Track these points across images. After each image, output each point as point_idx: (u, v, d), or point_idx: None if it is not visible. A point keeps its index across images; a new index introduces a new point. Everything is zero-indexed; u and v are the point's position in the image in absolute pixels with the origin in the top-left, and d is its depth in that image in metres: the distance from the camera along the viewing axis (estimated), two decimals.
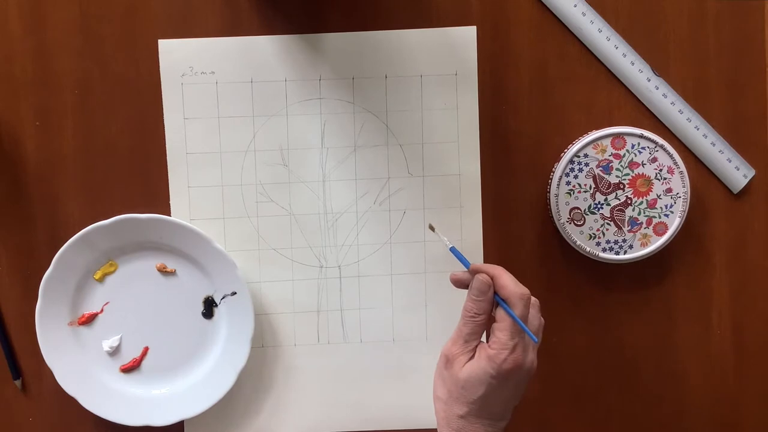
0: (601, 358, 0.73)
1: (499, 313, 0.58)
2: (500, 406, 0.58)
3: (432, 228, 0.66)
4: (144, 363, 0.71)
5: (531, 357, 0.58)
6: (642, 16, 0.71)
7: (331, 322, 0.72)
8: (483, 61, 0.71)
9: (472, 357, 0.58)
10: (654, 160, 0.69)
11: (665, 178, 0.69)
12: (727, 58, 0.71)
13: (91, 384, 0.70)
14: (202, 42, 0.70)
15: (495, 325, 0.58)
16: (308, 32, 0.70)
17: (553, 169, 0.70)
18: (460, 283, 0.61)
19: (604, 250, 0.70)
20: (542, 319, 0.60)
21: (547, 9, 0.71)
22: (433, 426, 0.73)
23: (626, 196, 0.70)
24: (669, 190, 0.69)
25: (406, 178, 0.72)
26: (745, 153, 0.72)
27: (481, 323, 0.59)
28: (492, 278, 0.59)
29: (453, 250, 0.63)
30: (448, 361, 0.59)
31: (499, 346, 0.57)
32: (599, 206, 0.70)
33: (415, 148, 0.71)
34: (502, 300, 0.58)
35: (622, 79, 0.71)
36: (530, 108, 0.71)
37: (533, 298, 0.59)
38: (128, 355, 0.71)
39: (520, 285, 0.58)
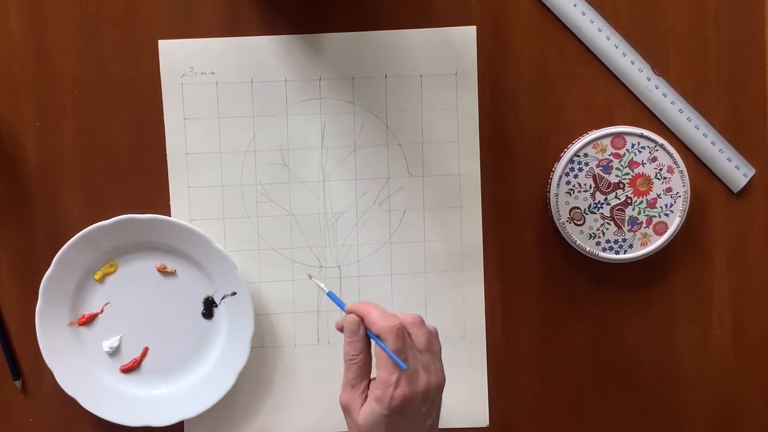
0: (601, 358, 0.73)
1: (376, 350, 0.57)
2: None
3: (310, 276, 0.67)
4: (144, 363, 0.71)
5: (424, 381, 0.56)
6: (642, 15, 0.71)
7: (331, 322, 0.72)
8: (483, 61, 0.71)
9: (366, 400, 0.57)
10: (654, 159, 0.69)
11: (665, 178, 0.69)
12: (727, 57, 0.71)
13: (91, 384, 0.70)
14: (202, 42, 0.70)
15: (376, 363, 0.57)
16: (308, 32, 0.70)
17: (553, 169, 0.70)
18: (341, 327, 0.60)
19: (604, 249, 0.70)
20: (432, 328, 0.59)
21: (547, 9, 0.71)
22: None
23: (626, 195, 0.70)
24: (669, 190, 0.69)
25: (405, 178, 0.72)
26: (745, 152, 0.72)
27: (362, 364, 0.58)
28: (361, 317, 0.58)
29: (330, 294, 0.63)
30: (345, 410, 0.58)
31: (382, 385, 0.56)
32: (599, 206, 0.70)
33: (415, 148, 0.71)
34: (375, 336, 0.57)
35: (622, 79, 0.71)
36: (530, 108, 0.71)
37: (411, 316, 0.58)
38: (128, 356, 0.71)
39: (389, 317, 0.57)
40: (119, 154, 0.70)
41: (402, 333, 0.56)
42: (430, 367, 0.57)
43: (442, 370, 0.59)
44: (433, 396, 0.57)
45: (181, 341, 0.71)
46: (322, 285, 0.64)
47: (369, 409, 0.56)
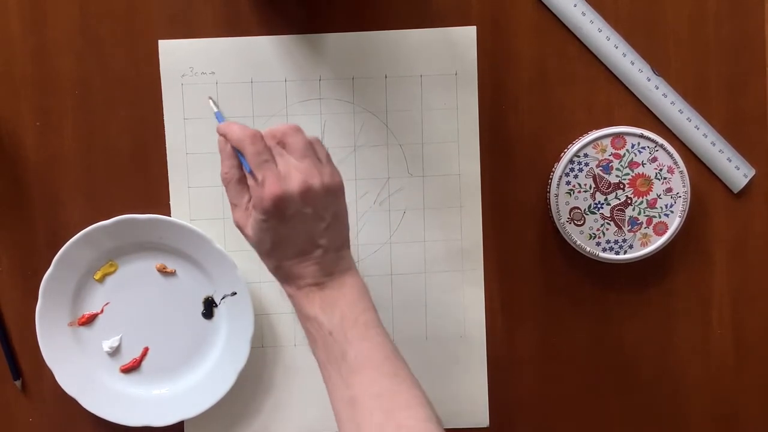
0: (601, 358, 0.73)
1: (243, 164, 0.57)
2: (303, 238, 0.56)
3: (210, 98, 0.69)
4: (144, 363, 0.71)
5: (299, 180, 0.55)
6: (642, 15, 0.71)
7: None
8: (483, 61, 0.71)
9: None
10: (654, 159, 0.69)
11: (665, 178, 0.69)
12: (727, 57, 0.71)
13: (91, 384, 0.70)
14: (202, 42, 0.70)
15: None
16: (308, 32, 0.70)
17: (553, 169, 0.70)
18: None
19: (604, 250, 0.70)
20: (312, 137, 0.58)
21: (547, 9, 0.71)
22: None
23: (626, 195, 0.70)
24: (669, 190, 0.69)
25: (406, 178, 0.72)
26: (745, 152, 0.72)
27: (236, 180, 0.58)
28: (224, 135, 0.58)
29: (217, 114, 0.65)
30: (239, 229, 0.58)
31: (251, 191, 0.56)
32: (599, 206, 0.70)
33: (415, 148, 0.71)
34: (236, 149, 0.57)
35: (622, 79, 0.71)
36: (530, 108, 0.71)
37: (284, 125, 0.57)
38: (128, 356, 0.71)
39: (247, 128, 0.56)
40: (119, 154, 0.70)
41: (256, 138, 0.56)
42: (311, 170, 0.55)
43: (331, 174, 0.57)
44: (318, 197, 0.55)
45: (181, 341, 0.71)
46: (214, 108, 0.66)
47: (252, 219, 0.56)
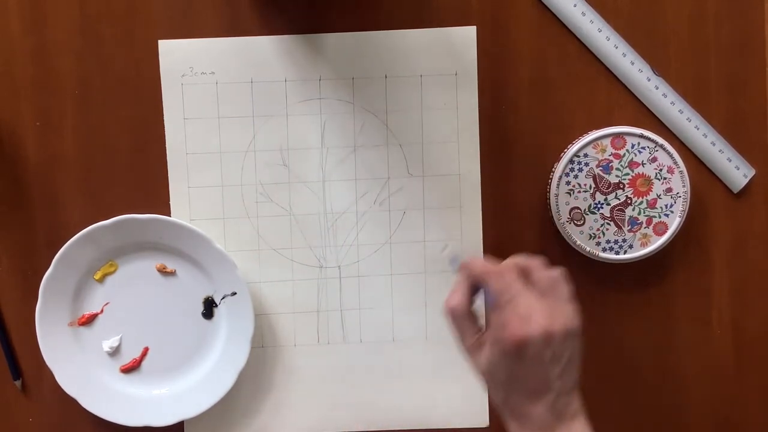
0: (601, 358, 0.73)
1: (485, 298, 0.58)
2: (537, 379, 0.55)
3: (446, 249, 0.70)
4: (144, 363, 0.71)
5: (542, 323, 0.54)
6: (642, 15, 0.71)
7: (331, 322, 0.72)
8: (483, 61, 0.71)
9: (480, 346, 0.58)
10: (654, 159, 0.69)
11: (665, 178, 0.69)
12: (727, 57, 0.71)
13: (91, 384, 0.70)
14: (202, 42, 0.70)
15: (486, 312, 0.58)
16: (308, 32, 0.70)
17: (553, 169, 0.70)
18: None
19: (604, 250, 0.70)
20: (557, 272, 0.57)
21: (547, 9, 0.71)
22: (432, 426, 0.73)
23: (626, 195, 0.70)
24: (669, 190, 0.69)
25: (405, 178, 0.72)
26: (745, 152, 0.72)
27: (463, 313, 0.58)
28: (468, 268, 0.58)
29: (453, 260, 0.63)
30: (469, 359, 0.59)
31: (493, 327, 0.56)
32: (599, 206, 0.70)
33: (415, 148, 0.71)
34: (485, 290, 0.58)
35: (622, 79, 0.71)
36: (530, 108, 0.71)
37: (533, 260, 0.57)
38: (128, 356, 0.71)
39: (494, 263, 0.57)
40: (119, 154, 0.70)
41: (502, 275, 0.56)
42: (553, 312, 0.55)
43: (571, 315, 0.56)
44: (558, 341, 0.55)
45: (181, 341, 0.71)
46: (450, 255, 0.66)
47: (487, 354, 0.56)
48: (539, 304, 0.55)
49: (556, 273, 0.58)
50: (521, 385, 0.56)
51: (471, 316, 0.58)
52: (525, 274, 0.57)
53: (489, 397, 0.58)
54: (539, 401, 0.55)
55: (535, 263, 0.58)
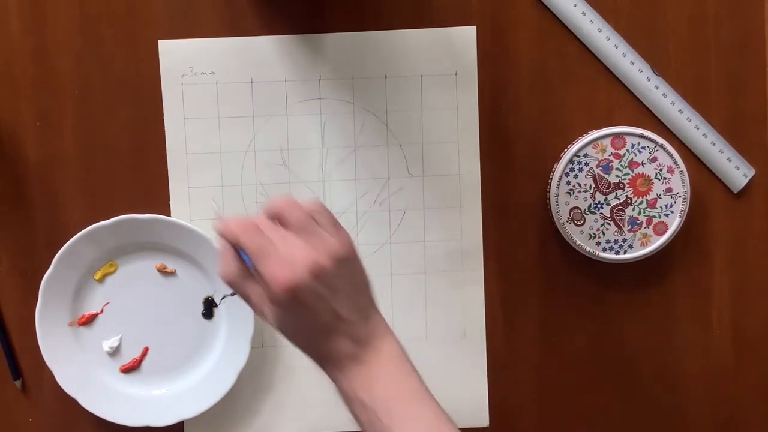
0: (601, 358, 0.73)
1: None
2: (324, 315, 0.53)
3: (213, 200, 0.66)
4: (144, 363, 0.71)
5: (307, 261, 0.51)
6: (642, 15, 0.71)
7: None
8: (483, 61, 0.71)
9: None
10: (654, 159, 0.69)
11: (665, 178, 0.69)
12: (727, 57, 0.71)
13: (91, 384, 0.70)
14: (202, 42, 0.70)
15: None
16: (308, 32, 0.70)
17: (553, 169, 0.70)
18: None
19: (604, 249, 0.70)
20: (307, 205, 0.54)
21: (547, 9, 0.71)
22: None
23: (626, 195, 0.70)
24: (669, 190, 0.69)
25: (406, 178, 0.72)
26: (745, 152, 0.72)
27: (237, 276, 0.54)
28: (221, 234, 0.54)
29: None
30: (264, 320, 0.55)
31: (264, 287, 0.52)
32: (599, 206, 0.70)
33: (415, 148, 0.71)
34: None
35: (622, 79, 0.71)
36: (530, 108, 0.71)
37: (277, 201, 0.53)
38: (128, 356, 0.71)
39: (241, 220, 0.53)
40: (119, 154, 0.70)
41: (251, 229, 0.52)
42: (315, 246, 0.52)
43: (339, 242, 0.53)
44: (330, 272, 0.52)
45: (181, 341, 0.71)
46: (216, 208, 0.63)
47: (269, 312, 0.53)
48: (298, 244, 0.52)
49: (311, 205, 0.54)
50: (312, 328, 0.53)
51: (247, 276, 0.54)
52: (279, 218, 0.53)
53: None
54: (335, 336, 0.53)
55: (285, 204, 0.54)
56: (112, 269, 0.70)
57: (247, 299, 0.55)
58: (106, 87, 0.70)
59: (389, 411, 0.53)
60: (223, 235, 0.54)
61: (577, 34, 0.71)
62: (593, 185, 0.69)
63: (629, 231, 0.70)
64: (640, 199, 0.70)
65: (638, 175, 0.69)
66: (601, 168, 0.69)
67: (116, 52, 0.70)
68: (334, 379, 0.55)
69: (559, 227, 0.70)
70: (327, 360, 0.55)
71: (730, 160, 0.71)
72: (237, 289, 0.55)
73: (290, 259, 0.51)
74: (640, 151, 0.69)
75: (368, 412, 0.53)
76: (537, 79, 0.71)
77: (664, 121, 0.71)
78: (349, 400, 0.54)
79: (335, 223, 0.55)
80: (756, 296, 0.73)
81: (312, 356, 0.55)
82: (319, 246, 0.52)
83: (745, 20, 0.71)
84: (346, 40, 0.70)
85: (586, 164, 0.69)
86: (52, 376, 0.69)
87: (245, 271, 0.54)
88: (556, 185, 0.69)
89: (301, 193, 0.71)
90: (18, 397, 0.71)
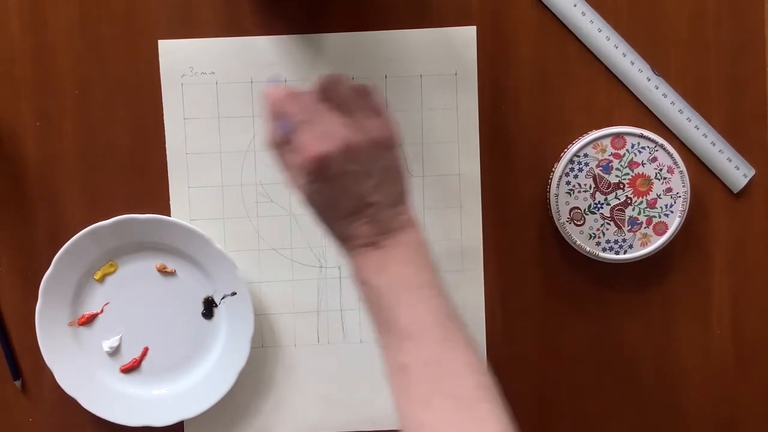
0: (601, 358, 0.73)
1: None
2: (352, 197, 0.53)
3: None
4: (144, 363, 0.71)
5: (342, 137, 0.52)
6: (642, 15, 0.71)
7: (331, 322, 0.72)
8: (483, 61, 0.71)
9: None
10: (654, 159, 0.69)
11: (665, 178, 0.69)
12: (727, 57, 0.71)
13: (91, 384, 0.70)
14: (202, 42, 0.70)
15: None
16: (308, 32, 0.70)
17: (553, 169, 0.70)
18: None
19: (604, 249, 0.70)
20: (358, 85, 0.54)
21: (547, 9, 0.71)
22: None
23: (626, 195, 0.70)
24: (669, 190, 0.69)
25: None
26: (745, 152, 0.72)
27: (279, 144, 0.55)
28: (265, 98, 0.55)
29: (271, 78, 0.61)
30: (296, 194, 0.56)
31: (294, 155, 0.53)
32: (599, 206, 0.70)
33: (415, 148, 0.71)
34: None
35: (622, 79, 0.71)
36: (530, 108, 0.71)
37: (327, 77, 0.54)
38: (128, 356, 0.71)
39: (287, 88, 0.54)
40: (119, 154, 0.70)
41: (295, 98, 0.53)
42: (354, 125, 0.53)
43: (380, 127, 0.54)
44: (363, 153, 0.53)
45: (181, 341, 0.71)
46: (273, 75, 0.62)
47: (301, 187, 0.54)
48: (338, 120, 0.53)
49: (361, 86, 0.55)
50: (337, 207, 0.54)
51: (289, 146, 0.54)
52: (327, 94, 0.54)
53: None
54: (359, 219, 0.54)
55: (337, 79, 0.54)
56: (112, 269, 0.70)
57: (284, 168, 0.55)
58: (106, 87, 0.70)
59: (397, 296, 0.53)
60: (270, 101, 0.55)
61: (577, 34, 0.71)
62: (593, 185, 0.69)
63: (629, 231, 0.70)
64: (640, 199, 0.70)
65: (638, 175, 0.69)
66: (601, 168, 0.69)
67: (116, 52, 0.70)
68: (349, 261, 0.55)
69: (559, 227, 0.70)
70: (346, 241, 0.55)
71: (730, 160, 0.71)
72: (277, 155, 0.55)
73: (325, 132, 0.52)
74: (640, 151, 0.69)
75: (375, 294, 0.53)
76: (537, 79, 0.71)
77: (664, 121, 0.71)
78: (359, 282, 0.55)
79: (381, 108, 0.55)
80: (756, 296, 0.73)
81: (334, 235, 0.55)
82: (359, 126, 0.53)
83: (745, 20, 0.71)
84: (346, 40, 0.70)
85: (586, 164, 0.69)
86: (52, 376, 0.69)
87: (287, 139, 0.54)
88: (556, 185, 0.69)
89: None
90: (18, 397, 0.72)
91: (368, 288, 0.54)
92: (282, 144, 0.54)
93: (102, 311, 0.71)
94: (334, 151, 0.52)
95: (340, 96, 0.54)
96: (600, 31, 0.70)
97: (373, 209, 0.54)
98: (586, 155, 0.69)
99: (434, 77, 0.71)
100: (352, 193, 0.53)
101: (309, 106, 0.54)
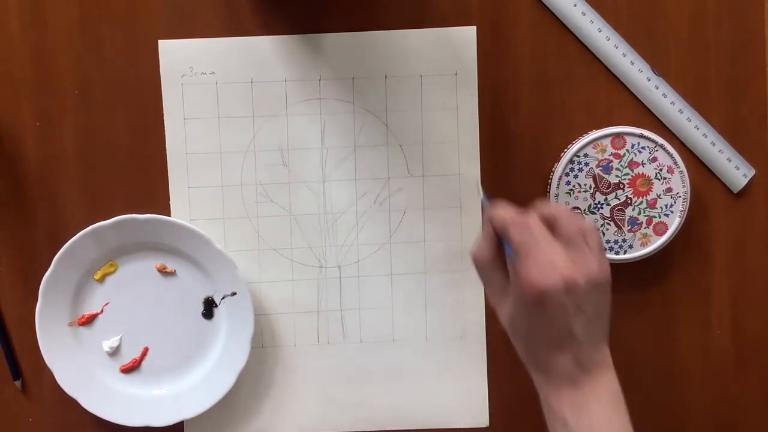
0: None
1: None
2: (559, 330, 0.54)
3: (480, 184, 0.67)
4: (144, 363, 0.71)
5: (564, 272, 0.52)
6: (642, 15, 0.71)
7: (331, 322, 0.72)
8: (483, 61, 0.71)
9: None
10: (654, 159, 0.69)
11: (665, 178, 0.69)
12: (727, 57, 0.71)
13: (91, 384, 0.70)
14: (202, 42, 0.70)
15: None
16: (308, 32, 0.70)
17: (553, 169, 0.70)
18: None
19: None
20: (583, 222, 0.55)
21: (547, 9, 0.71)
22: (432, 426, 0.73)
23: (626, 195, 0.70)
24: (669, 190, 0.69)
25: (405, 178, 0.72)
26: (745, 152, 0.72)
27: (487, 262, 0.57)
28: (490, 218, 0.57)
29: (484, 199, 0.62)
30: (494, 309, 0.58)
31: (513, 278, 0.54)
32: (599, 206, 0.70)
33: (415, 148, 0.71)
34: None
35: (622, 79, 0.71)
36: (530, 108, 0.71)
37: (560, 208, 0.56)
38: (128, 356, 0.71)
39: (513, 212, 0.56)
40: (119, 154, 0.70)
41: (523, 226, 0.54)
42: (577, 262, 0.53)
43: (599, 267, 0.54)
44: (582, 291, 0.53)
45: (181, 341, 0.71)
46: (481, 194, 0.64)
47: (507, 305, 0.55)
48: (562, 254, 0.53)
49: (585, 223, 0.56)
50: (543, 336, 0.54)
51: (497, 266, 0.57)
52: (551, 225, 0.55)
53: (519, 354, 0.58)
54: (562, 352, 0.54)
55: (562, 211, 0.56)
56: (112, 269, 0.70)
57: (485, 285, 0.57)
58: (106, 87, 0.70)
59: None
60: (493, 221, 0.56)
61: (577, 34, 0.71)
62: (593, 185, 0.69)
63: (629, 231, 0.70)
64: (640, 199, 0.70)
65: (638, 175, 0.69)
66: (601, 168, 0.69)
67: (116, 52, 0.70)
68: (544, 391, 0.56)
69: None
70: (544, 371, 0.56)
71: (730, 160, 0.71)
72: (481, 273, 0.57)
73: (550, 265, 0.53)
74: (640, 151, 0.69)
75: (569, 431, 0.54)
76: (537, 79, 0.71)
77: (664, 121, 0.71)
78: (554, 415, 0.55)
79: (601, 248, 0.56)
80: (756, 296, 0.73)
81: (530, 362, 0.56)
82: (581, 263, 0.54)
83: (745, 20, 0.71)
84: (346, 40, 0.70)
85: (586, 164, 0.69)
86: (52, 376, 0.69)
87: (497, 259, 0.56)
88: (556, 185, 0.69)
89: (301, 193, 0.71)
90: (18, 397, 0.72)
91: (562, 422, 0.55)
92: (492, 263, 0.56)
93: (102, 311, 0.71)
94: (557, 286, 0.53)
95: (566, 230, 0.55)
96: (600, 31, 0.70)
97: (576, 345, 0.54)
98: (586, 155, 0.69)
99: (434, 77, 0.71)
100: (559, 326, 0.54)
101: (535, 234, 0.54)
